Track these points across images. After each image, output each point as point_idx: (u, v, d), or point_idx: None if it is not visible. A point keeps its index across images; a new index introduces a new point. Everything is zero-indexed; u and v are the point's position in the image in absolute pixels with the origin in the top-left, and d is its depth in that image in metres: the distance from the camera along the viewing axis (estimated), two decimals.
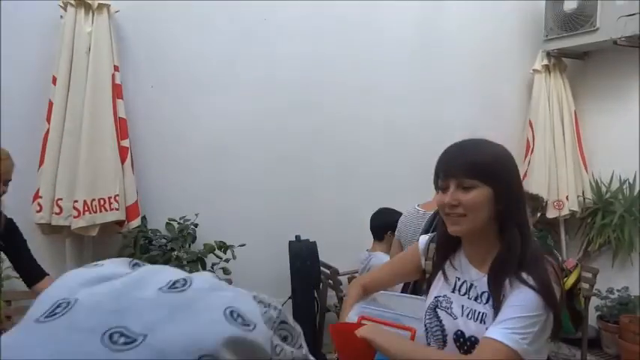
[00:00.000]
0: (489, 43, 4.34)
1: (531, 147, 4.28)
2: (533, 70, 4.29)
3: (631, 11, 3.54)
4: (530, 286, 1.21)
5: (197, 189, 3.34)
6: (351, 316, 1.51)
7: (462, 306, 1.34)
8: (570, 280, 2.97)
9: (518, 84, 4.51)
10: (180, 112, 3.32)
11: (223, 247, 3.05)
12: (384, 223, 2.99)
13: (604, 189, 4.14)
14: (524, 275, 1.22)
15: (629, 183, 3.97)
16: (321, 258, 3.44)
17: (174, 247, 3.00)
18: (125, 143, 2.94)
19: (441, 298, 1.39)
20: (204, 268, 3.00)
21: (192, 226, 3.14)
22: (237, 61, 3.45)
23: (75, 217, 2.75)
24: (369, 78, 3.86)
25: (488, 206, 1.25)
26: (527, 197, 3.60)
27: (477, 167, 1.25)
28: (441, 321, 1.37)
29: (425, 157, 4.17)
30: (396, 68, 3.95)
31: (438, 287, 1.42)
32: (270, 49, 3.52)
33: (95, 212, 2.79)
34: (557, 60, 4.25)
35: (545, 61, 4.20)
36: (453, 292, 1.37)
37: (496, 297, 1.25)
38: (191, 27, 3.32)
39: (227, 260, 3.07)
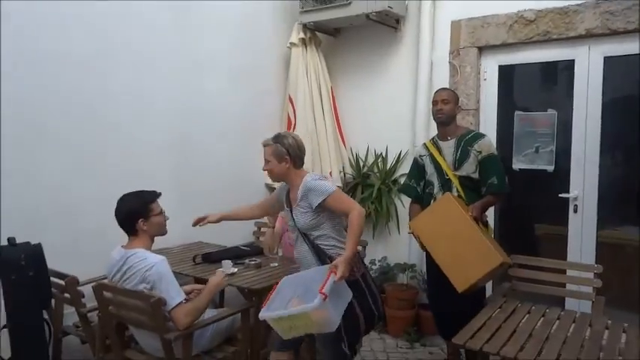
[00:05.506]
0: (247, 15, 4.01)
1: (293, 123, 4.12)
2: (291, 43, 4.12)
3: None
4: None
5: None
6: None
7: None
8: None
9: (277, 58, 4.30)
10: None
11: None
12: (129, 211, 2.32)
13: (361, 163, 4.24)
14: None
15: (382, 156, 4.13)
16: (51, 266, 2.55)
17: None
18: None
19: None
20: None
21: None
22: None
23: None
24: (112, 44, 3.14)
25: None
26: None
27: None
28: None
29: (176, 136, 3.65)
30: (145, 44, 3.33)
31: None
32: None
33: None
34: (313, 34, 4.17)
35: (302, 34, 4.07)
36: None
37: None
38: None
39: None
